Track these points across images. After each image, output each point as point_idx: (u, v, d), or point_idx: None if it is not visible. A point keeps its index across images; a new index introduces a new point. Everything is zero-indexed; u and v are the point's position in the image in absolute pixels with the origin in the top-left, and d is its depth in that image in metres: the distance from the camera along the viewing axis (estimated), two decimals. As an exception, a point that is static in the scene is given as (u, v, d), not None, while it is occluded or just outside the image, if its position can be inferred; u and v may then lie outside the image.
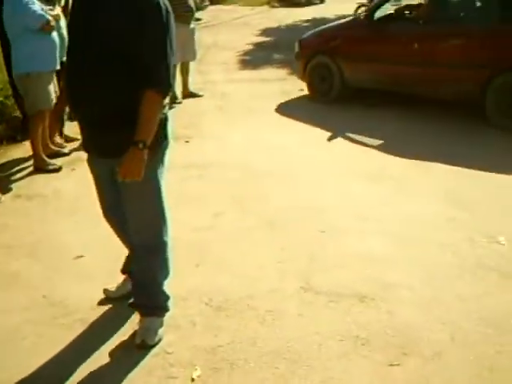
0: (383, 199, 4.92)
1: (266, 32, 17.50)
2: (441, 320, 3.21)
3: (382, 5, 8.14)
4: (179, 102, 8.78)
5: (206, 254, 4.14)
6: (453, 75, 7.11)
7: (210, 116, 8.08)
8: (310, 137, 6.90)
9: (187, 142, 6.87)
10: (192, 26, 8.97)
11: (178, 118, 7.92)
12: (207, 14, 21.56)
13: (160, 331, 3.23)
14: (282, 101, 8.71)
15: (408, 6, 8.60)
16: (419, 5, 8.26)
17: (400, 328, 3.17)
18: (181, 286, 3.65)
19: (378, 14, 8.08)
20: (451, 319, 3.21)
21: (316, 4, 29.27)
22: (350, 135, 6.85)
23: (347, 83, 8.32)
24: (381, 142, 6.54)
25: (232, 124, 7.58)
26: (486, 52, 6.86)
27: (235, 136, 7.02)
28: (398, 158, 5.98)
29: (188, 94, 9.12)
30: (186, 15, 8.74)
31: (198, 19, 19.54)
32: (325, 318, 3.31)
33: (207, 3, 22.30)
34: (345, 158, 6.10)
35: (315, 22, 18.85)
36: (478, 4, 7.46)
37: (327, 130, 7.07)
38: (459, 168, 5.61)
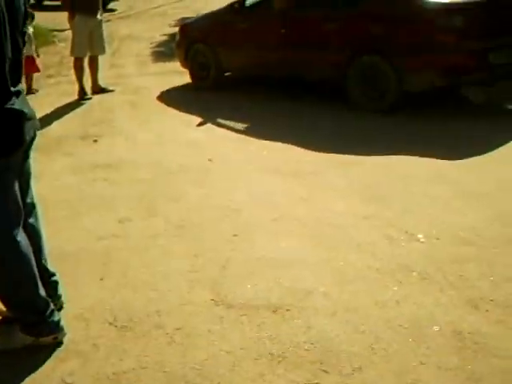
0: (297, 197, 4.69)
1: (181, 22, 17.04)
2: (359, 329, 2.99)
3: None
4: (89, 98, 8.34)
5: (111, 265, 3.80)
6: (316, 58, 7.33)
7: (122, 112, 7.69)
8: (220, 132, 6.65)
9: (95, 140, 6.48)
10: (99, 17, 8.50)
11: (87, 115, 7.54)
12: (122, 4, 20.90)
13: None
14: (197, 93, 8.40)
15: None
16: None
17: (317, 341, 2.93)
18: (83, 303, 3.33)
19: (250, 1, 8.12)
20: (370, 328, 2.99)
21: (233, -7, 29.10)
22: (254, 129, 6.66)
23: (223, 70, 8.42)
24: (290, 135, 6.33)
25: (144, 120, 7.22)
26: (344, 35, 7.05)
27: (147, 133, 6.67)
28: (304, 151, 5.79)
29: (98, 90, 8.67)
30: (91, 6, 8.28)
31: (112, 10, 18.94)
32: (237, 334, 3.04)
33: (122, -7, 21.56)
34: (256, 153, 5.85)
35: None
36: None
37: (238, 125, 6.84)
38: (370, 159, 5.46)
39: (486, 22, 6.61)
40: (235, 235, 4.06)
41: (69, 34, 8.86)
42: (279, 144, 6.07)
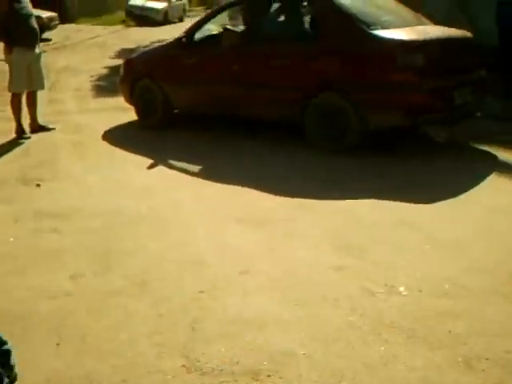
0: (263, 246, 4.60)
1: (122, 54, 16.98)
2: (348, 397, 2.90)
3: (202, 26, 8.25)
4: (27, 137, 8.12)
5: (67, 329, 3.61)
6: (271, 96, 7.31)
7: (64, 153, 7.49)
8: (173, 174, 6.57)
9: (38, 185, 6.28)
10: (37, 50, 8.33)
11: (26, 156, 7.32)
12: (57, 35, 20.74)
13: None
14: (146, 132, 8.28)
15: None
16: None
17: (303, 412, 2.82)
18: (38, 375, 3.13)
19: (199, 34, 8.16)
20: (360, 396, 2.91)
21: (175, 23, 29.16)
22: (208, 170, 6.63)
23: (172, 107, 8.35)
24: (247, 176, 6.30)
25: (91, 162, 7.06)
26: (301, 73, 7.06)
27: (95, 177, 6.50)
28: (266, 195, 5.74)
29: (37, 128, 8.45)
30: (30, 38, 8.12)
31: (48, 40, 18.71)
32: (214, 406, 2.90)
33: (56, 22, 21.37)
34: (214, 198, 5.77)
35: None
36: (294, 25, 7.58)
37: (191, 166, 6.79)
38: (336, 203, 5.45)
39: (446, 59, 6.75)
40: (201, 292, 3.94)
41: (3, 65, 8.63)
42: (237, 187, 5.99)
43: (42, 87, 8.57)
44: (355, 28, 6.82)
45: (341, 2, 7.08)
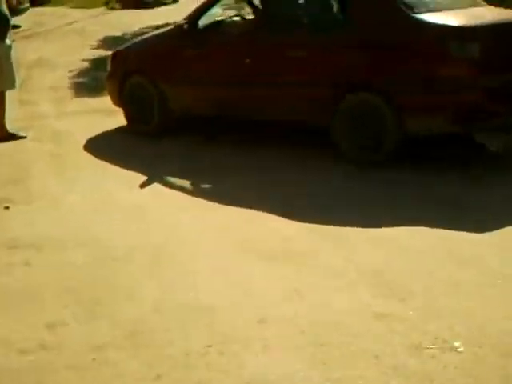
0: (286, 287, 4.50)
1: (106, 43, 16.95)
2: None
3: (208, 9, 8.08)
4: (-7, 148, 8.05)
5: (44, 392, 3.52)
6: (290, 96, 7.23)
7: (39, 166, 7.45)
8: (170, 194, 6.50)
9: (7, 207, 6.23)
10: (8, 42, 8.28)
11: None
12: (27, 20, 20.70)
13: None
14: (137, 140, 8.22)
15: (241, 11, 8.68)
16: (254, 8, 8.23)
17: None
18: None
19: (204, 20, 8.00)
20: None
21: (167, 4, 29.18)
22: (214, 189, 6.61)
23: (170, 110, 8.18)
24: (262, 197, 6.23)
25: (71, 179, 7.03)
26: (328, 68, 6.99)
27: (75, 196, 6.47)
28: (285, 220, 5.66)
29: (6, 136, 8.38)
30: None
31: (16, 26, 18.71)
32: None
33: (27, 5, 21.38)
34: (220, 224, 5.69)
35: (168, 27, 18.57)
36: (320, 9, 7.55)
37: (193, 184, 6.77)
38: (371, 231, 5.37)
39: (507, 49, 6.64)
40: (209, 346, 3.84)
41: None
42: (248, 211, 5.91)
43: (13, 86, 8.53)
44: (395, 12, 6.76)
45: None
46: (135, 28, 19.62)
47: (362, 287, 4.47)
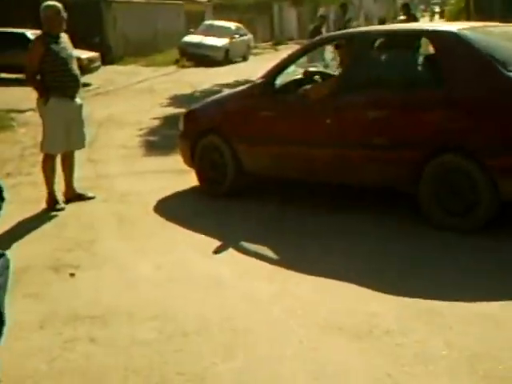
0: (379, 375, 3.99)
1: (176, 101, 16.97)
2: None
3: (286, 67, 7.81)
4: (61, 208, 7.76)
5: None
6: (376, 158, 6.85)
7: (107, 230, 7.09)
8: (248, 262, 6.05)
9: (72, 274, 5.85)
10: (78, 100, 8.05)
11: (59, 233, 6.97)
12: (98, 78, 20.92)
13: None
14: (210, 203, 7.85)
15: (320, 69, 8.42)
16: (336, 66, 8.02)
17: None
18: None
19: (282, 79, 7.73)
20: None
21: (237, 62, 29.33)
22: (294, 257, 6.09)
23: (245, 171, 7.86)
24: (348, 266, 5.76)
25: (139, 244, 6.62)
26: (416, 129, 6.63)
27: (145, 264, 6.03)
28: (372, 293, 5.18)
29: (73, 197, 8.10)
30: (69, 86, 7.85)
31: (87, 84, 18.82)
32: None
33: (98, 63, 21.57)
34: (301, 296, 5.19)
35: (239, 85, 18.45)
36: (406, 67, 7.23)
37: (271, 251, 6.27)
38: (472, 307, 4.81)
39: None
40: None
41: (33, 116, 8.39)
42: (332, 282, 5.42)
43: (83, 146, 8.27)
44: (489, 70, 6.32)
45: (469, 38, 6.58)
46: (205, 86, 19.64)
47: (463, 377, 3.93)
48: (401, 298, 5.05)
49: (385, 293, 5.15)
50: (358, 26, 23.44)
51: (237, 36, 30.46)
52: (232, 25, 31.60)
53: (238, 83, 19.69)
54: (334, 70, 8.63)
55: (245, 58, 30.92)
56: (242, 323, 4.73)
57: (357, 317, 4.78)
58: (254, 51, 33.78)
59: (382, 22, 27.07)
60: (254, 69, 23.58)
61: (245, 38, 31.69)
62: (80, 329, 4.80)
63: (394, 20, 28.30)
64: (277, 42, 41.64)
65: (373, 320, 4.71)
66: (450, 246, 6.07)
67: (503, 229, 6.34)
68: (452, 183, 6.44)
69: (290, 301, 5.10)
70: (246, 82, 19.37)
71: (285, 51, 33.85)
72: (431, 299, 4.99)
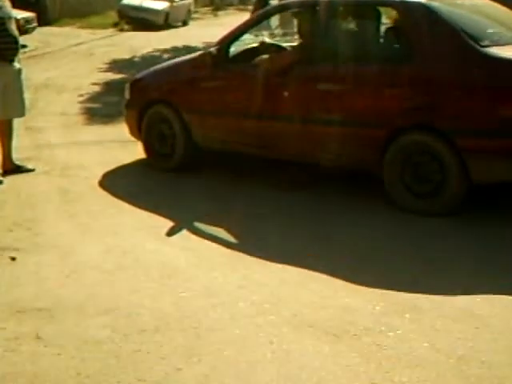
0: (360, 379, 3.59)
1: (116, 66, 16.34)
2: None
3: (239, 36, 7.36)
4: (-2, 182, 7.14)
5: None
6: (338, 135, 6.42)
7: (49, 207, 6.54)
8: (203, 245, 5.58)
9: (13, 258, 5.29)
10: (17, 64, 7.40)
11: (-4, 212, 6.36)
12: (34, 39, 19.96)
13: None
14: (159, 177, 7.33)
15: (280, 37, 7.99)
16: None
17: None
18: None
19: (236, 48, 7.34)
20: None
21: (177, 27, 28.51)
22: (253, 238, 5.69)
23: (195, 144, 7.36)
24: (305, 251, 5.38)
25: (85, 224, 6.10)
26: (381, 104, 6.25)
27: (92, 246, 5.54)
28: (343, 284, 4.76)
29: (12, 168, 7.48)
30: (7, 49, 7.20)
31: (23, 46, 17.93)
32: None
33: (34, 24, 20.61)
34: (266, 287, 4.74)
35: (178, 51, 18.01)
36: (372, 39, 6.90)
37: (227, 232, 5.82)
38: (449, 301, 4.43)
39: None
40: None
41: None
42: (298, 270, 4.99)
43: (22, 114, 7.66)
44: (462, 45, 5.93)
45: (439, 9, 6.18)
46: (145, 50, 19.00)
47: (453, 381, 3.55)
48: (376, 291, 4.63)
49: (358, 284, 4.74)
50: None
51: (177, 0, 29.59)
52: (172, -12, 30.71)
53: (176, 48, 19.17)
54: (285, 40, 8.17)
55: (185, 23, 30.11)
56: (204, 320, 4.25)
57: (330, 312, 4.36)
58: (194, 16, 32.95)
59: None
60: (195, 34, 23.07)
61: (185, 2, 30.80)
62: (24, 324, 4.27)
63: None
64: (216, 7, 40.77)
65: (347, 316, 4.30)
66: (417, 226, 5.71)
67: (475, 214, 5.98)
68: (418, 163, 6.08)
69: (256, 293, 4.62)
70: (187, 48, 18.95)
71: (225, 17, 33.53)
72: (409, 292, 4.61)
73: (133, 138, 8.08)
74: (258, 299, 4.52)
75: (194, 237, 5.74)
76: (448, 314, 4.30)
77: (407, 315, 4.30)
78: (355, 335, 4.07)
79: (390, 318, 4.27)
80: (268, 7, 9.12)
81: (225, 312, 4.37)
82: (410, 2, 6.45)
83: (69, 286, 4.81)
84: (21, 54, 7.78)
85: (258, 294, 4.60)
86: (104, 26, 26.79)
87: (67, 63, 16.74)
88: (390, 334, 4.07)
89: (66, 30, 24.89)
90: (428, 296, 4.55)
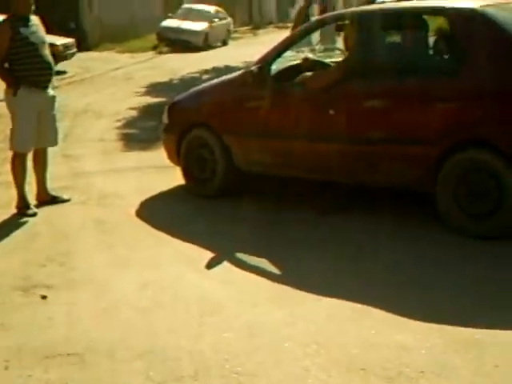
0: None
1: (154, 89, 16.15)
2: None
3: (283, 52, 6.98)
4: (33, 214, 6.89)
5: None
6: (389, 154, 6.10)
7: (84, 240, 6.26)
8: (247, 279, 5.25)
9: (44, 297, 5.04)
10: (51, 91, 7.18)
11: (30, 244, 6.14)
12: (73, 65, 19.92)
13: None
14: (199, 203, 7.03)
15: (322, 53, 7.62)
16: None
17: None
18: None
19: (278, 65, 6.94)
20: None
21: (216, 47, 28.40)
22: (303, 272, 5.29)
23: (237, 168, 7.03)
24: (355, 283, 5.01)
25: (119, 255, 5.84)
26: (434, 121, 5.87)
27: (128, 281, 5.26)
28: (396, 319, 4.39)
29: (47, 200, 7.24)
30: (41, 75, 7.00)
31: (62, 72, 17.86)
32: None
33: (74, 50, 20.56)
34: (315, 325, 4.39)
35: (218, 72, 17.80)
36: (423, 52, 6.56)
37: (273, 264, 5.48)
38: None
39: None
40: None
41: (1, 107, 7.51)
42: (349, 304, 4.64)
43: (55, 143, 7.41)
44: None
45: (495, 17, 5.82)
46: (184, 72, 18.84)
47: None
48: (431, 326, 4.27)
49: (412, 318, 4.37)
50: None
51: (216, 20, 29.47)
52: (211, 8, 30.57)
53: (217, 69, 18.97)
54: (327, 55, 7.85)
55: (225, 43, 29.98)
56: (247, 364, 3.91)
57: (382, 352, 3.99)
58: (234, 36, 32.83)
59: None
60: (235, 54, 22.88)
61: (224, 21, 30.70)
62: (52, 370, 3.98)
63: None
64: (256, 25, 40.65)
65: (402, 356, 3.93)
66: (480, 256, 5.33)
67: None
68: (475, 183, 5.73)
69: (303, 332, 4.28)
70: (227, 68, 18.73)
71: (264, 35, 33.36)
72: (467, 326, 4.23)
73: (171, 164, 7.79)
74: (305, 339, 4.17)
75: (235, 269, 5.42)
76: (508, 347, 3.92)
77: (466, 352, 3.92)
78: (410, 379, 3.70)
79: (447, 356, 3.90)
80: (309, 22, 8.81)
81: (269, 354, 4.03)
82: (463, 8, 6.08)
83: (102, 326, 4.51)
84: (57, 81, 7.57)
85: (305, 333, 4.25)
86: (143, 50, 26.74)
87: (105, 88, 16.59)
88: (451, 377, 3.69)
89: (106, 54, 24.83)
90: (485, 328, 4.16)
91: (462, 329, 4.22)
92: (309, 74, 6.77)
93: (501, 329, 4.19)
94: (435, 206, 5.90)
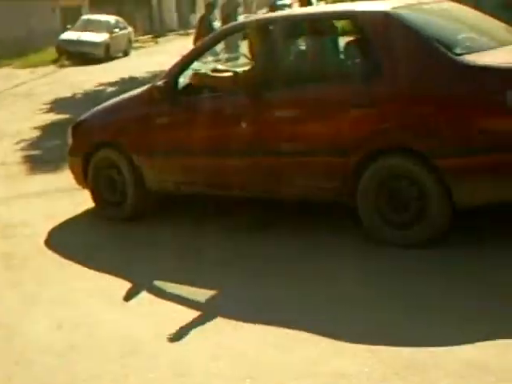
0: None
1: (57, 105, 15.70)
2: None
3: (189, 64, 6.67)
4: None
5: None
6: (305, 166, 5.89)
7: (-10, 277, 5.83)
8: (168, 310, 4.92)
9: None
10: None
11: None
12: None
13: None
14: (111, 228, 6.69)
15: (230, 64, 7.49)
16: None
17: None
18: None
19: (185, 79, 6.63)
20: None
21: (119, 58, 27.86)
22: (223, 296, 5.05)
23: (148, 189, 6.74)
24: (280, 305, 4.76)
25: (29, 292, 5.46)
26: (350, 129, 5.66)
27: (40, 321, 4.87)
28: (334, 345, 4.14)
29: None
30: None
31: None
32: None
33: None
34: (245, 355, 4.13)
35: (122, 84, 17.42)
36: (335, 58, 6.43)
37: (192, 290, 5.18)
38: (452, 355, 3.85)
39: None
40: None
41: None
42: (279, 331, 4.38)
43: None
44: (434, 55, 5.41)
45: (406, 19, 5.66)
46: (87, 86, 18.40)
47: None
48: (371, 349, 4.04)
49: (346, 341, 4.15)
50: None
51: (117, 30, 28.90)
52: (111, 18, 30.02)
53: (122, 81, 18.57)
54: (234, 65, 7.62)
55: (126, 53, 29.44)
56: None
57: (320, 379, 3.76)
58: (135, 45, 32.31)
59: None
60: (137, 64, 22.47)
61: (125, 31, 30.13)
62: None
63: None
64: (157, 34, 40.16)
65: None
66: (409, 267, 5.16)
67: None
68: (395, 190, 5.54)
69: (233, 366, 4.01)
70: (132, 79, 18.31)
71: (166, 43, 32.97)
72: (405, 345, 4.02)
73: (79, 186, 7.41)
74: (237, 373, 3.91)
75: (154, 299, 5.10)
76: (455, 370, 3.73)
77: (406, 376, 3.72)
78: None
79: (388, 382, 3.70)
80: (214, 33, 8.56)
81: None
82: (371, 11, 5.93)
83: (17, 378, 4.13)
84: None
85: (236, 367, 3.99)
86: (44, 64, 26.02)
87: (6, 107, 15.96)
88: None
89: (4, 71, 24.07)
90: (425, 349, 3.97)
91: (400, 349, 4.02)
92: (218, 85, 6.49)
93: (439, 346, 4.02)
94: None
